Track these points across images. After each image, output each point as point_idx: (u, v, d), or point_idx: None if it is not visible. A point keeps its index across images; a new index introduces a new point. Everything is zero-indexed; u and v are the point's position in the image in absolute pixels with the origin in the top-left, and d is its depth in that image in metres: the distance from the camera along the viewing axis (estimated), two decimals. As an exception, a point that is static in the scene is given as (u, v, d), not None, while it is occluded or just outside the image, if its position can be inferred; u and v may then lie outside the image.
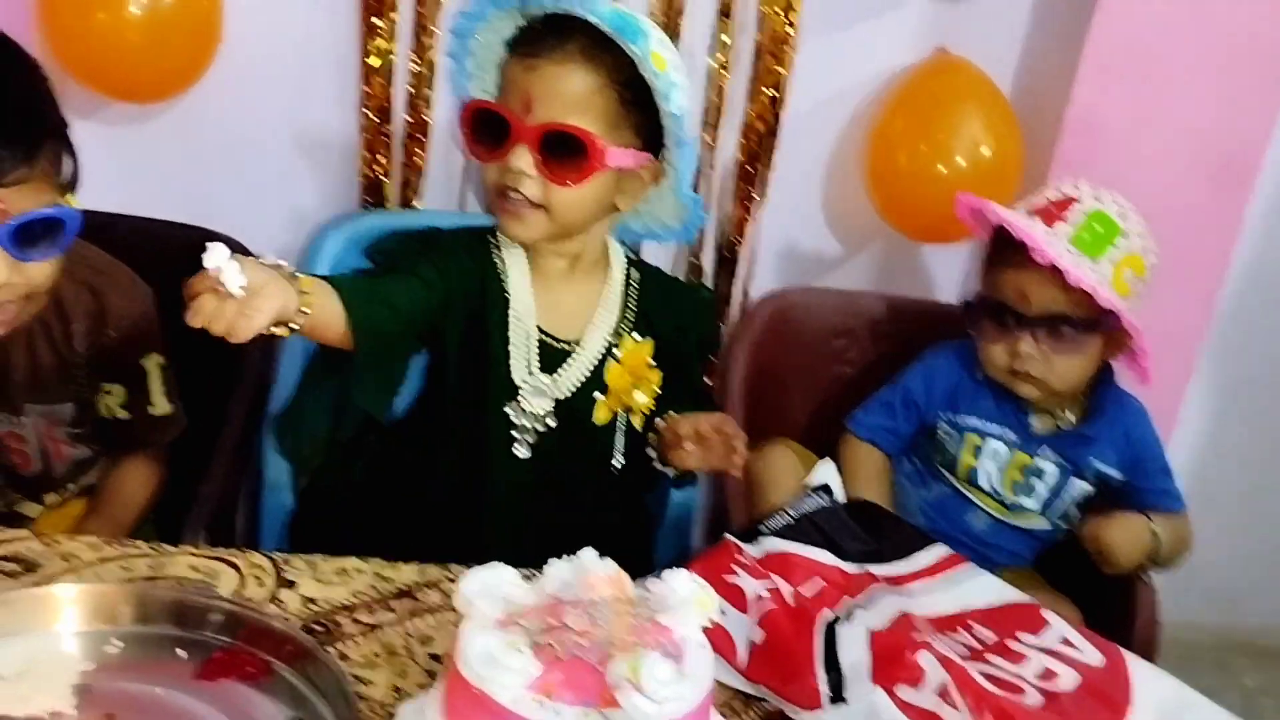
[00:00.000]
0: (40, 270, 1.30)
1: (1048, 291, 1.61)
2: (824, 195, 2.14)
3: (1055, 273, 1.58)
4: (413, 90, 1.94)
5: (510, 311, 1.43)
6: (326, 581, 1.16)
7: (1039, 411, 1.72)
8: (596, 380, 1.46)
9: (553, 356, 1.44)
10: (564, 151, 1.33)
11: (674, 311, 1.52)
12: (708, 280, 2.11)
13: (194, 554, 1.18)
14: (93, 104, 1.91)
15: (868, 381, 1.87)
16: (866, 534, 1.30)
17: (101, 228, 1.60)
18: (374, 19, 1.89)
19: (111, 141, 1.94)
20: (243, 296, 1.04)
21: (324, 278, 1.28)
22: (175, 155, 1.97)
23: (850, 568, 1.24)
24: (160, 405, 1.50)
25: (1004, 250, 1.66)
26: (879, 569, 1.26)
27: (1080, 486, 1.72)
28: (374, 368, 1.34)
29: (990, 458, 1.73)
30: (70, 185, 1.33)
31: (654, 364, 1.49)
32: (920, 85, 2.03)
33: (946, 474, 1.76)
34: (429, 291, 1.38)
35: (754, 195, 2.06)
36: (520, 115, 1.33)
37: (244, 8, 1.88)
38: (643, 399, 1.48)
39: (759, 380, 1.84)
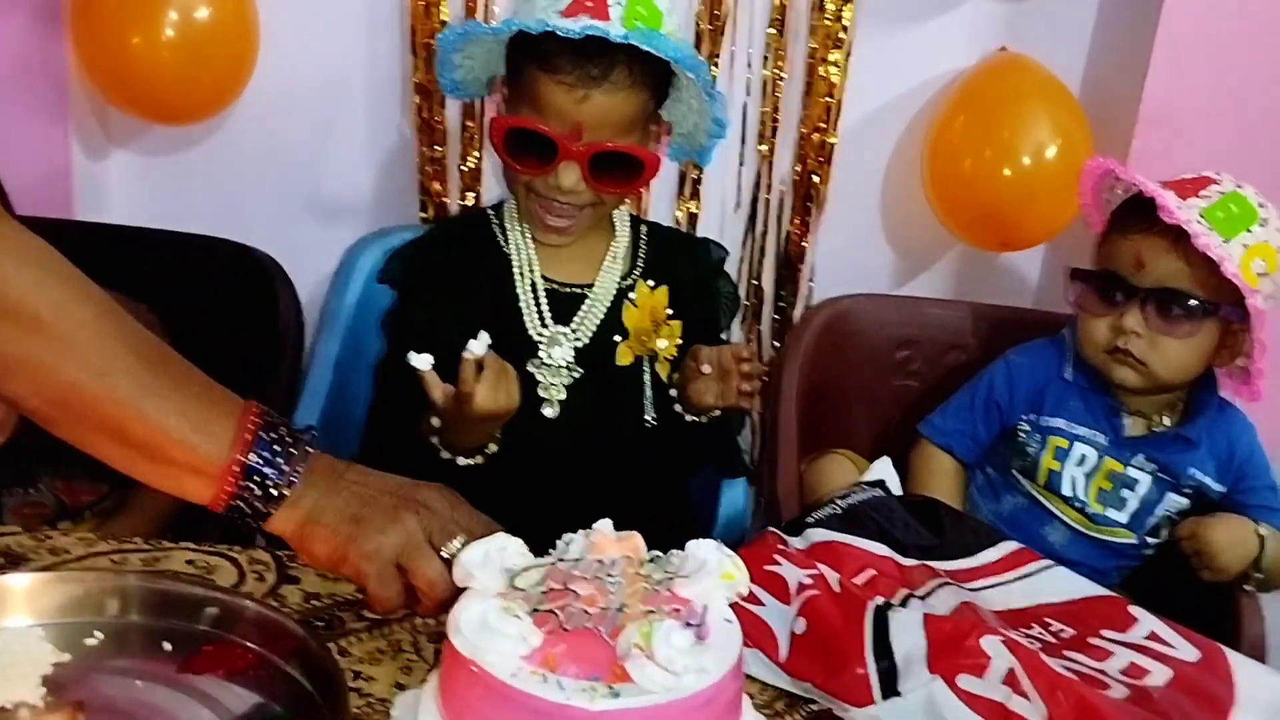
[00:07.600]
0: None
1: (1167, 261, 1.47)
2: (885, 205, 2.05)
3: (1178, 244, 1.45)
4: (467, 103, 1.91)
5: (513, 267, 1.44)
6: (331, 577, 1.07)
7: (1133, 414, 1.57)
8: (614, 324, 1.45)
9: (565, 303, 1.44)
10: (614, 167, 1.36)
11: (687, 263, 1.53)
12: (768, 295, 2.03)
13: (193, 550, 1.11)
14: (132, 126, 1.93)
15: (934, 395, 1.73)
16: (926, 529, 1.18)
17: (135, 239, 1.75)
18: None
19: (150, 162, 1.98)
20: (485, 357, 1.22)
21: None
22: (214, 173, 1.99)
23: (907, 561, 1.12)
24: None
25: (1125, 219, 1.53)
26: (940, 565, 1.13)
27: (1175, 500, 1.57)
28: None
29: (1076, 463, 1.57)
30: None
31: (672, 312, 1.47)
32: (982, 86, 1.93)
33: (1023, 481, 1.60)
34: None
35: (812, 207, 1.97)
36: (568, 139, 1.33)
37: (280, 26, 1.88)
38: (664, 344, 1.46)
39: (816, 392, 1.72)
